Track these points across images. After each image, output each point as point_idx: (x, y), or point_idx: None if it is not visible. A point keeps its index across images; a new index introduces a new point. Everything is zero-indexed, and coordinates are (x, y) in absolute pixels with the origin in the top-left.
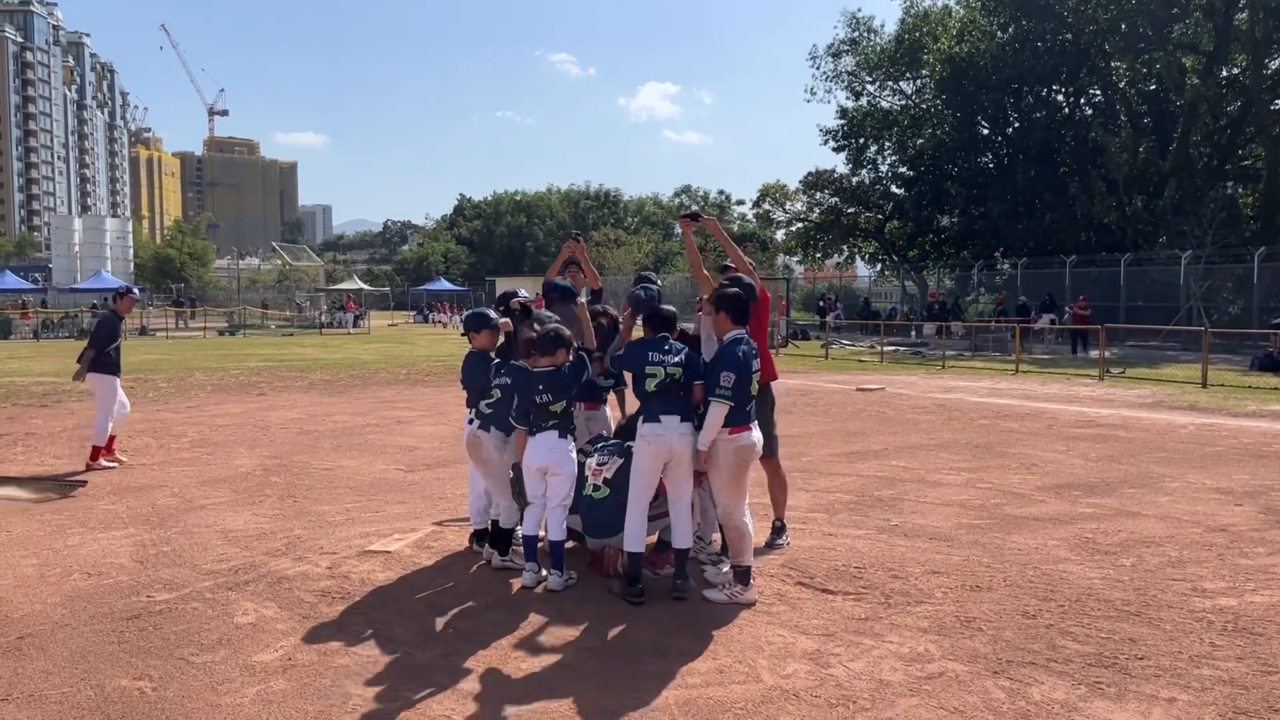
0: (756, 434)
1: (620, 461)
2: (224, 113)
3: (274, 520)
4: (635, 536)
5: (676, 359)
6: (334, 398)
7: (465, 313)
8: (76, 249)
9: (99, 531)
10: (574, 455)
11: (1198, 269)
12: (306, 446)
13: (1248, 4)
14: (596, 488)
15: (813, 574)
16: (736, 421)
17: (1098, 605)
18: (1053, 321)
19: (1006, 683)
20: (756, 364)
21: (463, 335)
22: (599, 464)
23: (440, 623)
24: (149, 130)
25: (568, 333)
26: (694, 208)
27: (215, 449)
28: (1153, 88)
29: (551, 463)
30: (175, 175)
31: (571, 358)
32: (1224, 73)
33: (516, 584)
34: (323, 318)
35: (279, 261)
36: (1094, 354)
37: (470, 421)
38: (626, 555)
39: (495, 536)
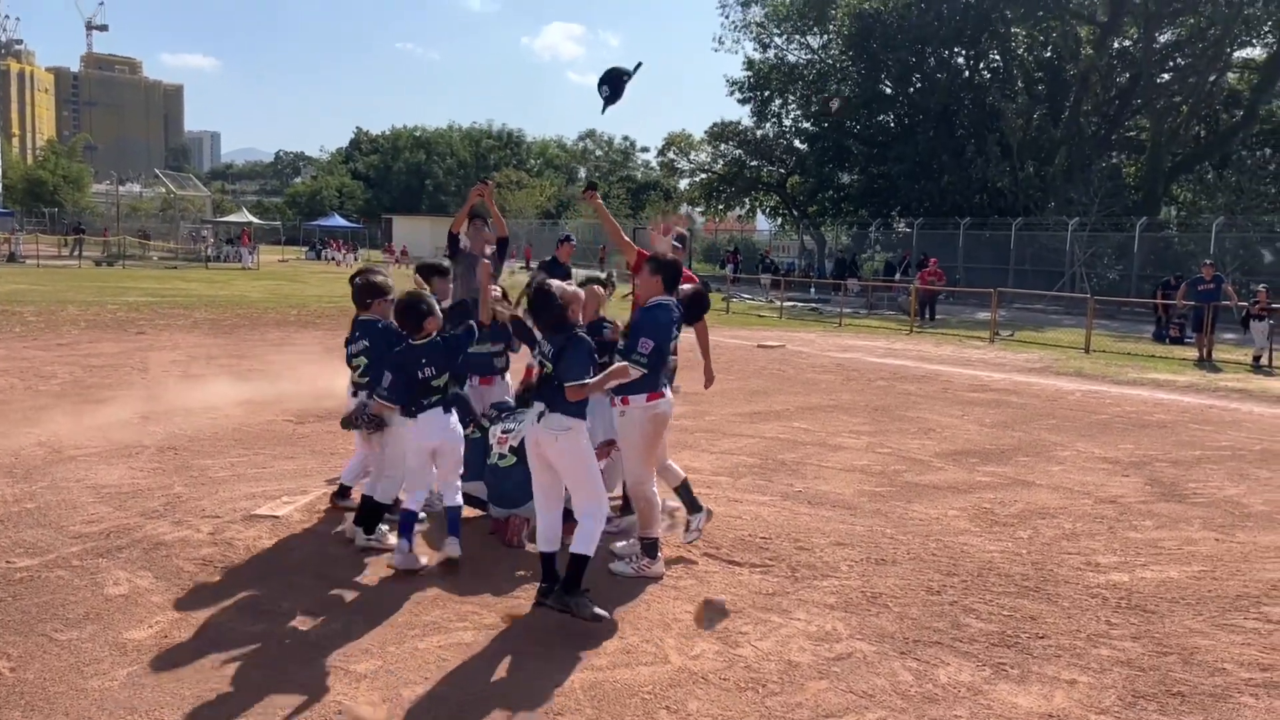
0: (671, 400)
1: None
2: (103, 28)
3: (152, 475)
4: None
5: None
6: (219, 338)
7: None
8: None
9: None
10: (459, 429)
11: (1083, 236)
12: (189, 391)
13: None
14: (502, 456)
15: (719, 544)
16: (652, 387)
17: (998, 580)
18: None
19: (914, 664)
20: (677, 332)
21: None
22: (504, 431)
23: (332, 596)
24: (20, 43)
25: (431, 301)
26: (589, 181)
27: (88, 392)
28: (1049, 55)
29: (442, 440)
30: (49, 92)
31: (451, 327)
32: (1116, 44)
33: (375, 565)
34: (209, 251)
35: (162, 189)
36: (938, 319)
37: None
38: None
39: (365, 512)
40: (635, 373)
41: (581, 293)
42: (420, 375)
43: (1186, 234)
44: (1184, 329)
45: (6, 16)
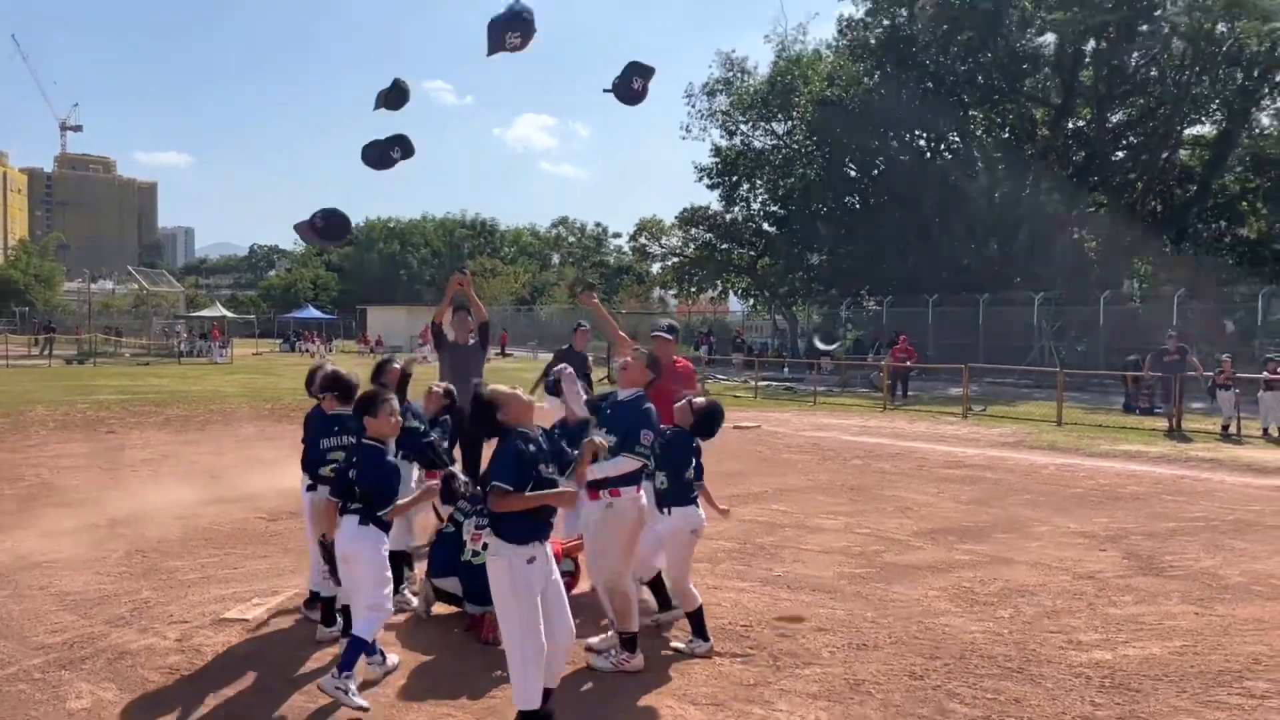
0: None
1: None
2: (78, 128)
3: (119, 580)
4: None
5: None
6: (192, 435)
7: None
8: None
9: None
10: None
11: (1049, 311)
12: (159, 492)
13: (1092, 62)
14: (475, 553)
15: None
16: (639, 480)
17: (981, 662)
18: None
19: None
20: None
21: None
22: (478, 527)
23: (305, 702)
24: None
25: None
26: (584, 281)
27: (56, 495)
28: (1007, 136)
29: (348, 551)
30: (22, 192)
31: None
32: (1070, 125)
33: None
34: (182, 346)
35: (135, 286)
36: (910, 396)
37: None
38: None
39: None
40: (636, 463)
41: (520, 393)
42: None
43: (1149, 306)
44: (1153, 400)
45: None
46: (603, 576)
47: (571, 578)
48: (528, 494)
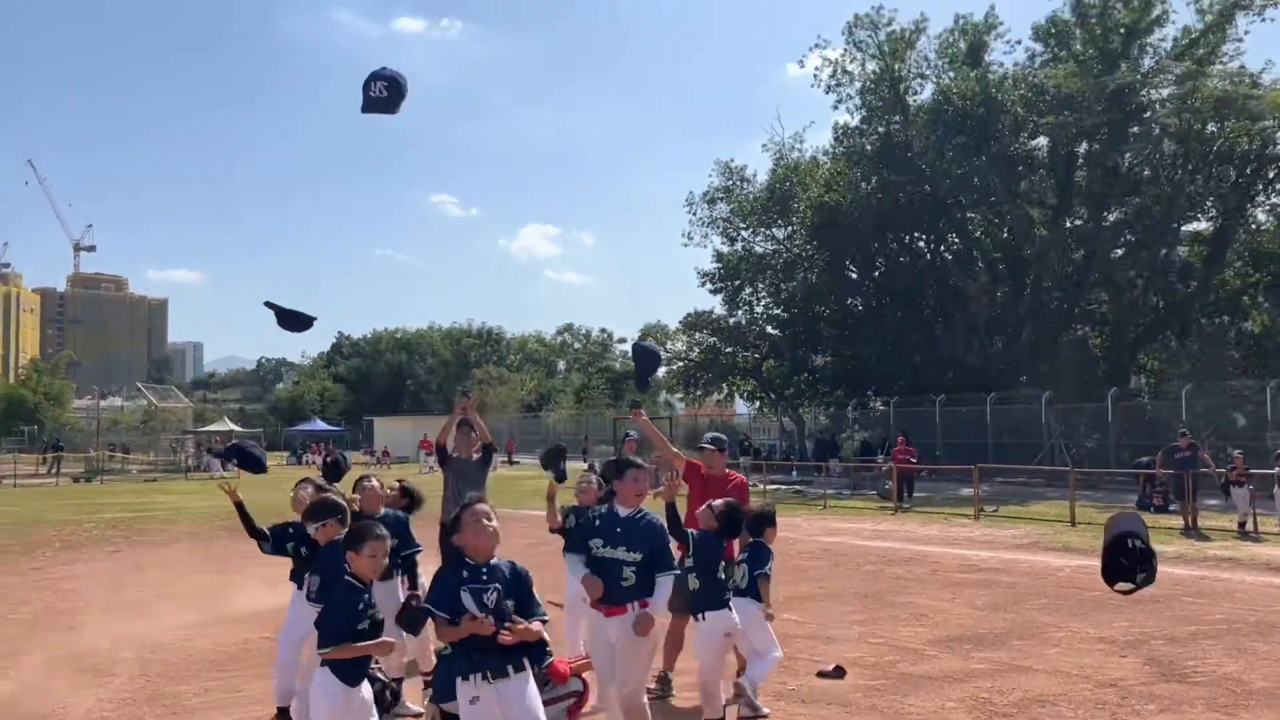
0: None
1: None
2: (91, 248)
3: (121, 706)
4: None
5: None
6: (198, 552)
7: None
8: None
9: None
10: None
11: (1057, 408)
12: (164, 612)
13: (1085, 163)
14: None
15: None
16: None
17: None
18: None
19: None
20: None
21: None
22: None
23: None
24: (8, 265)
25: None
26: (634, 401)
27: (60, 618)
28: (1006, 236)
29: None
30: (34, 312)
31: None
32: (1068, 224)
33: None
34: (189, 461)
35: (144, 402)
36: (917, 497)
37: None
38: None
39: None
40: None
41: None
42: None
43: (1158, 402)
44: (1167, 497)
45: None
46: (627, 689)
47: (579, 697)
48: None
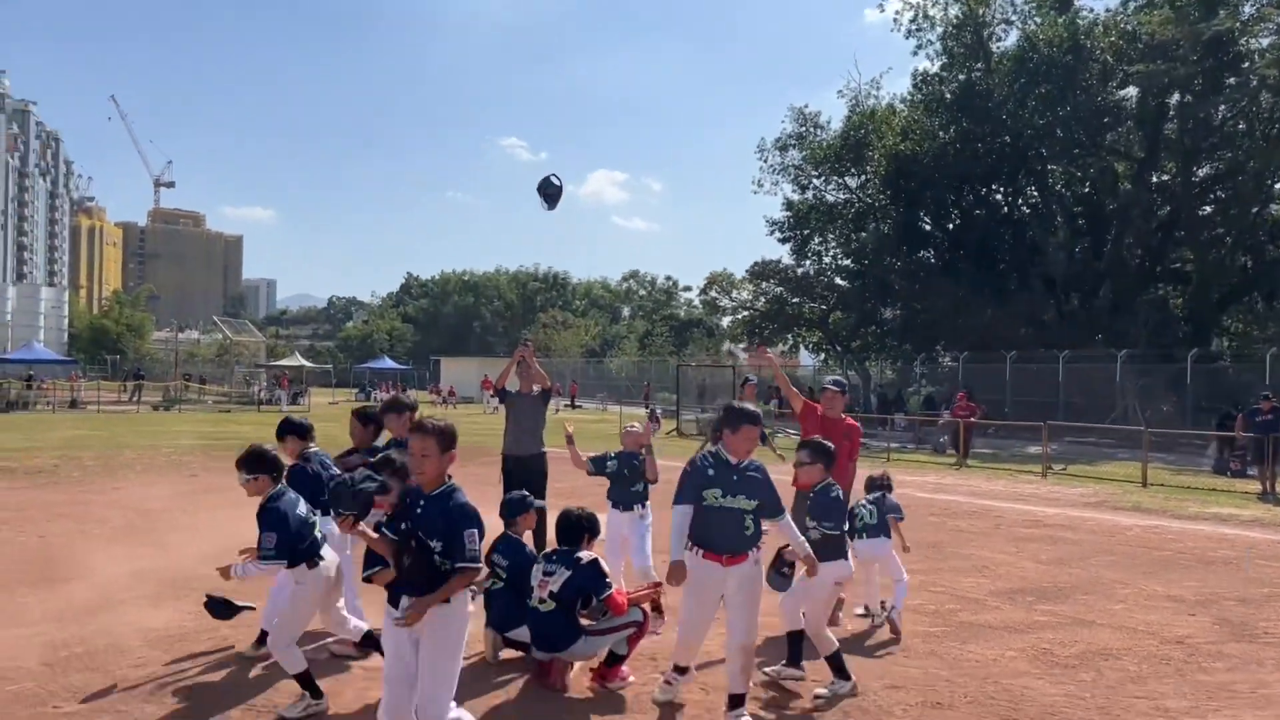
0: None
1: (568, 574)
2: (170, 185)
3: (200, 619)
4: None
5: None
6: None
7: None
8: (9, 318)
9: (6, 628)
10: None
11: (1133, 368)
12: (239, 533)
13: (1176, 115)
14: (542, 600)
15: (771, 691)
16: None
17: None
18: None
19: None
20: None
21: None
22: (545, 574)
23: None
24: (92, 199)
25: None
26: (760, 338)
27: (141, 536)
28: (1087, 190)
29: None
30: (117, 245)
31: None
32: (1154, 179)
33: None
34: (261, 394)
35: (219, 335)
36: (975, 454)
37: None
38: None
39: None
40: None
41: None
42: None
43: (1240, 364)
44: (1245, 462)
45: (80, 175)
46: (749, 639)
47: (639, 627)
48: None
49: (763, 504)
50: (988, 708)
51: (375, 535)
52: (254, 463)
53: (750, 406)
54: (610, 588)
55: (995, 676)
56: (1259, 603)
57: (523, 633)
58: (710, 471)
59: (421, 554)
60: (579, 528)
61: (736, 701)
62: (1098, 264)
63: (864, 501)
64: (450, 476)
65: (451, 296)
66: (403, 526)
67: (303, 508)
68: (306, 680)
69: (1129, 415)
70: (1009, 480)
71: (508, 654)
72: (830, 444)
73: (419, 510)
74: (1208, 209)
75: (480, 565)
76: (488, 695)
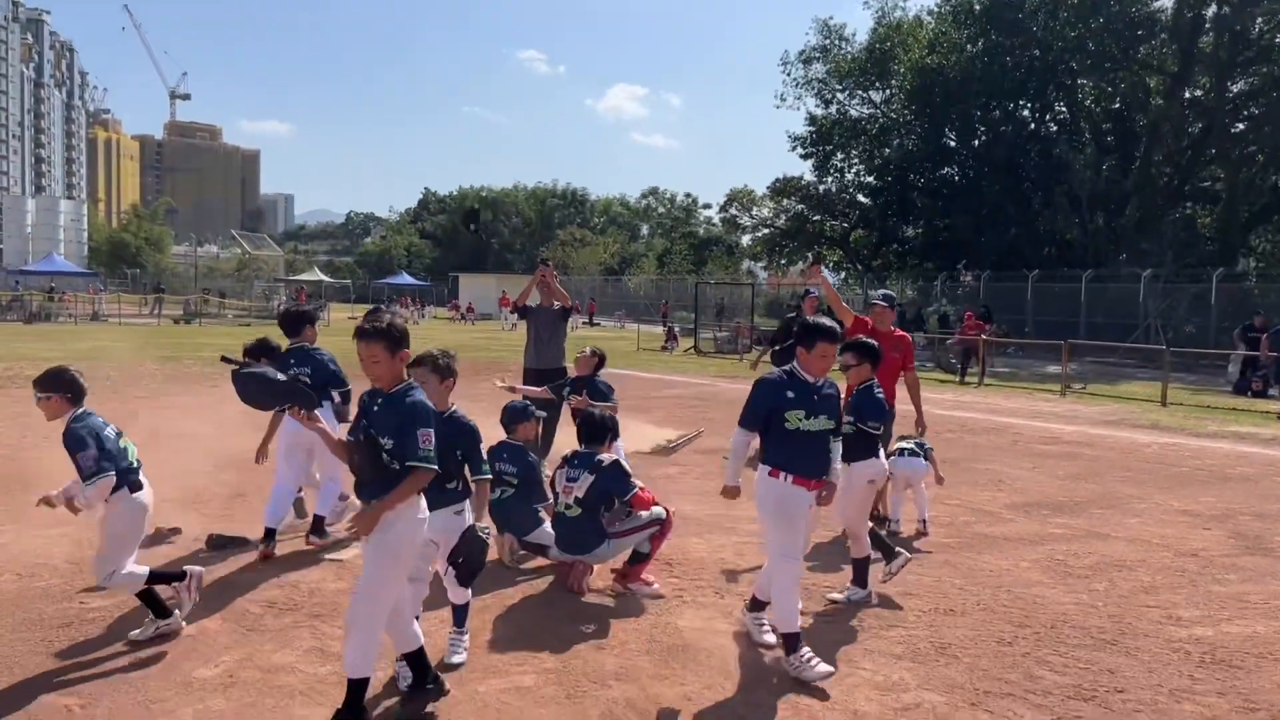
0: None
1: (592, 479)
2: (186, 97)
3: (221, 520)
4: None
5: None
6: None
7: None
8: (29, 231)
9: (32, 529)
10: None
11: (1157, 288)
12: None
13: (1212, 27)
14: (568, 506)
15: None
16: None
17: (1073, 633)
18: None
19: (985, 716)
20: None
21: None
22: (569, 480)
23: (389, 640)
24: (108, 111)
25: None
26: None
27: (164, 442)
28: (1117, 106)
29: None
30: (134, 159)
31: None
32: (1187, 94)
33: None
34: (281, 308)
35: (238, 250)
36: (974, 373)
37: None
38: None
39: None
40: None
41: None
42: None
43: (1266, 285)
44: (1268, 381)
45: (95, 87)
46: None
47: (662, 524)
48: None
49: (836, 425)
50: (1000, 614)
51: (322, 424)
52: (48, 382)
53: (827, 322)
54: (634, 488)
55: (1008, 585)
56: (1275, 518)
57: (540, 534)
58: (790, 393)
59: (370, 449)
60: (602, 428)
61: (760, 605)
62: (1125, 182)
63: (910, 441)
64: (408, 376)
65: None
66: (362, 424)
67: (111, 430)
68: (151, 599)
69: (1151, 335)
70: (1027, 398)
71: (536, 563)
72: (874, 341)
73: (375, 409)
74: (1240, 126)
75: (434, 467)
76: (505, 596)
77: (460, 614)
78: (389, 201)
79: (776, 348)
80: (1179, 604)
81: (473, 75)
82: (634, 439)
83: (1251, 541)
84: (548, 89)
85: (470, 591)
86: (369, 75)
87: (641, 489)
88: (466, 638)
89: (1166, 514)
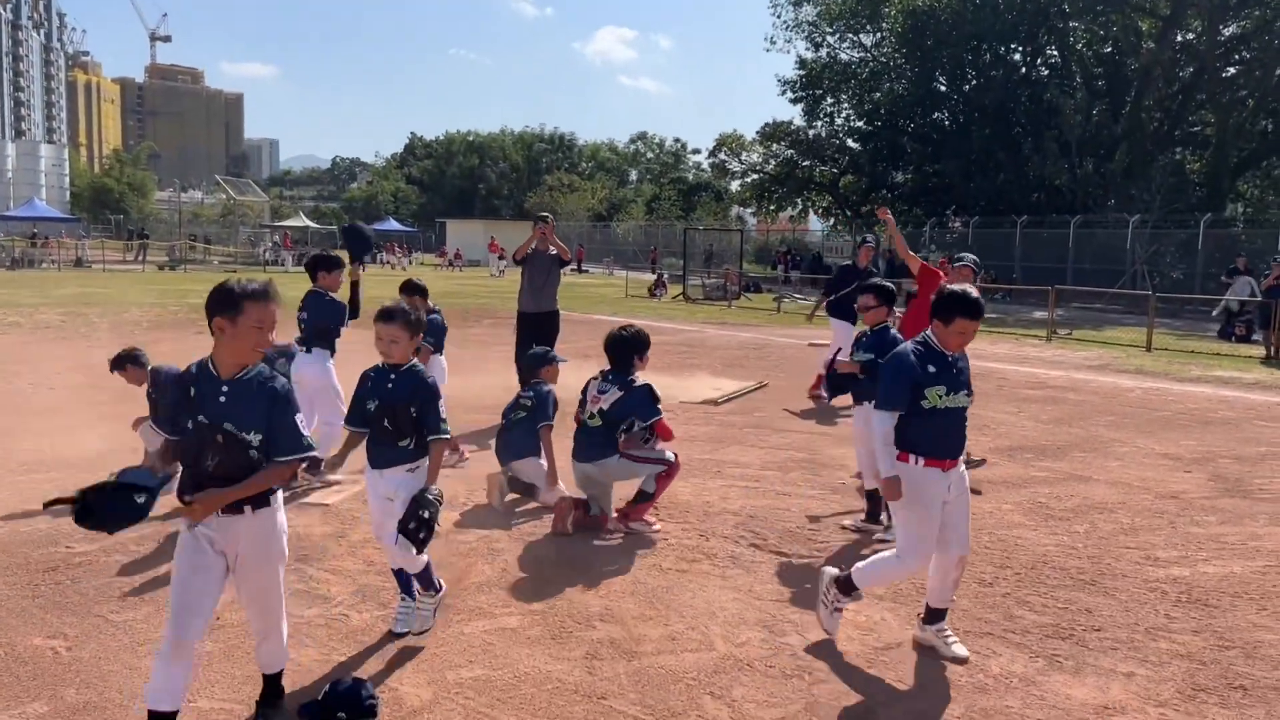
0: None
1: (620, 394)
2: (167, 39)
3: None
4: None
5: None
6: (281, 335)
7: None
8: (9, 175)
9: (19, 474)
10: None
11: (1144, 233)
12: None
13: None
14: (592, 416)
15: (766, 535)
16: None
17: (1053, 573)
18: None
19: None
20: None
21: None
22: (600, 391)
23: (378, 582)
24: (87, 54)
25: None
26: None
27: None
28: (1108, 50)
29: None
30: (115, 102)
31: None
32: (1179, 38)
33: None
34: (266, 254)
35: (223, 195)
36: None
37: None
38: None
39: None
40: None
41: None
42: None
43: (1254, 230)
44: (1251, 327)
45: (74, 28)
46: (967, 546)
47: (670, 467)
48: None
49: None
50: (981, 555)
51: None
52: (117, 362)
53: (973, 293)
54: (660, 414)
55: (990, 528)
56: (1255, 460)
57: (531, 464)
58: (930, 368)
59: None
60: (630, 345)
61: (939, 615)
62: (1115, 127)
63: None
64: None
65: (456, 157)
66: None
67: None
68: None
69: (1138, 281)
70: (1014, 344)
71: (526, 506)
72: (890, 286)
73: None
74: (1231, 70)
75: (449, 436)
76: (492, 539)
77: (405, 580)
78: (375, 146)
79: (832, 297)
80: (1157, 545)
81: (460, 17)
82: (686, 391)
83: (1231, 484)
84: (535, 31)
85: (426, 557)
86: (354, 17)
87: (660, 420)
88: (424, 606)
89: (1148, 457)
